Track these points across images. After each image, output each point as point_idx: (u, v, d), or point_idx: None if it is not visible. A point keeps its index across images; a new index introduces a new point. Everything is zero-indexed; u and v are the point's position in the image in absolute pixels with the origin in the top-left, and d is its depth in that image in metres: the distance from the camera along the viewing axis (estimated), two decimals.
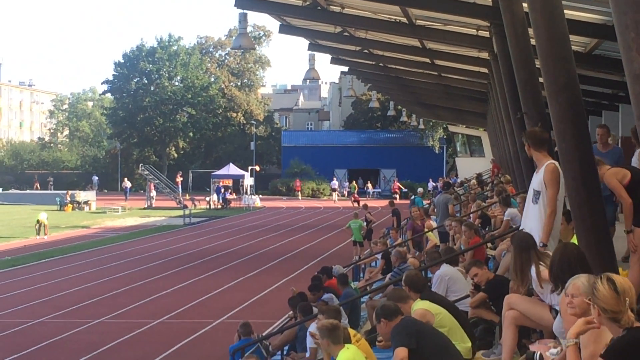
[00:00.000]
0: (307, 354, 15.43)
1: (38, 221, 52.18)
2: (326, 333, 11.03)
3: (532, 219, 11.05)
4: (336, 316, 12.64)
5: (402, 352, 9.80)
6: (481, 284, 13.57)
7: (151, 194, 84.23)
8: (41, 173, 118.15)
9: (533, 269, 9.55)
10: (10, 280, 36.02)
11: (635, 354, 5.61)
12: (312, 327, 15.27)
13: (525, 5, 13.14)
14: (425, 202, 45.67)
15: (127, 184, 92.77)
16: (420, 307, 11.62)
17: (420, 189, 61.26)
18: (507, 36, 15.22)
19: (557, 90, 10.57)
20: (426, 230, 26.67)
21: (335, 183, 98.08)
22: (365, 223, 41.23)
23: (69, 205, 77.08)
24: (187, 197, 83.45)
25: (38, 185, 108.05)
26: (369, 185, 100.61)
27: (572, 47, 11.43)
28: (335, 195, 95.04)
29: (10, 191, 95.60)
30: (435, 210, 30.09)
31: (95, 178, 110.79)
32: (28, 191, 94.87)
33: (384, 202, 60.06)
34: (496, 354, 11.13)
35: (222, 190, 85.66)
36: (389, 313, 10.56)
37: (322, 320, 12.01)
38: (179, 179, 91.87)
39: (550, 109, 10.78)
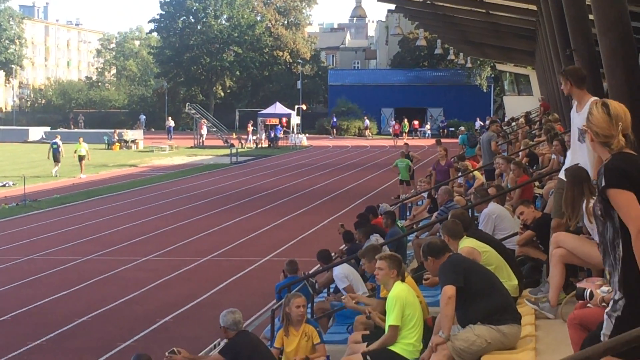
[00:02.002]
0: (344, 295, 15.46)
1: (80, 156, 52.88)
2: (395, 263, 11.30)
3: (581, 157, 10.97)
4: (375, 254, 12.71)
5: (450, 290, 9.79)
6: (527, 222, 13.53)
7: (202, 132, 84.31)
8: (88, 112, 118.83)
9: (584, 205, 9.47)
10: (59, 218, 36.36)
11: (621, 175, 5.67)
12: (336, 271, 15.39)
13: None
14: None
15: (171, 123, 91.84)
16: (467, 244, 11.59)
17: (461, 127, 61.02)
18: None
19: (607, 27, 10.45)
20: (472, 169, 26.55)
21: (367, 121, 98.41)
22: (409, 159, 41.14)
23: (117, 144, 77.38)
24: (234, 135, 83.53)
25: (73, 124, 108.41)
26: (415, 124, 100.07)
27: None
28: (368, 133, 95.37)
29: (58, 130, 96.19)
30: (481, 149, 29.87)
31: (143, 117, 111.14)
32: (76, 130, 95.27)
33: (431, 141, 59.83)
34: (543, 292, 11.07)
35: (270, 128, 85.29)
36: (436, 251, 10.55)
37: (385, 253, 12.12)
38: (250, 129, 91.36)
39: (601, 46, 10.67)
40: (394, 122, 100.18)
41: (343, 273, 15.02)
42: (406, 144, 44.72)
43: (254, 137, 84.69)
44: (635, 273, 5.64)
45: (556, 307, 10.59)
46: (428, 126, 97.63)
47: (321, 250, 17.75)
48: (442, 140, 48.71)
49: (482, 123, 74.29)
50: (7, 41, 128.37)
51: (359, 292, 14.74)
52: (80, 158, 52.31)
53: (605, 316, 5.93)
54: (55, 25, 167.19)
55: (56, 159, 54.35)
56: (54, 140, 56.09)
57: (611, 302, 5.96)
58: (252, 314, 18.98)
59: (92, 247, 29.64)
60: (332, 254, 18.86)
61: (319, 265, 18.71)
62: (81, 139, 53.73)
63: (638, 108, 10.17)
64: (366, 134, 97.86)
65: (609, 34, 10.41)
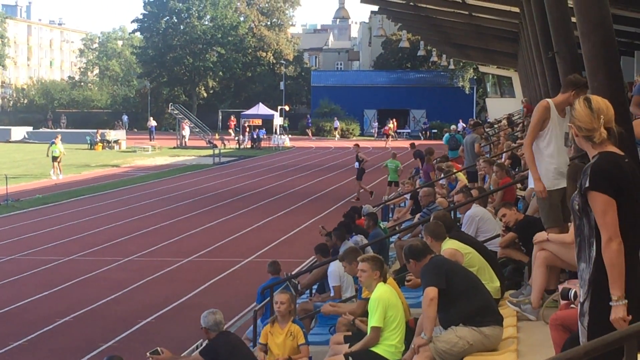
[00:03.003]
0: (332, 293, 15.53)
1: (54, 157, 51.89)
2: (378, 265, 11.29)
3: (564, 162, 11.07)
4: (356, 256, 12.75)
5: (432, 291, 9.83)
6: (510, 224, 13.59)
7: (183, 133, 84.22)
8: (71, 112, 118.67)
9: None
10: (41, 218, 36.31)
11: (605, 177, 5.77)
12: (332, 267, 15.38)
13: None
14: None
15: (153, 123, 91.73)
16: (449, 246, 11.64)
17: (453, 126, 61.21)
18: None
19: (590, 29, 10.50)
20: (455, 171, 26.61)
21: (337, 122, 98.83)
22: (357, 163, 41.52)
23: (99, 144, 77.25)
24: (217, 136, 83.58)
25: (51, 124, 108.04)
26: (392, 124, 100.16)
27: None
28: (337, 135, 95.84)
29: (40, 130, 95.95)
30: (464, 150, 29.96)
31: (125, 117, 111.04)
32: (58, 130, 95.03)
33: (404, 143, 59.87)
34: (525, 294, 11.14)
35: (252, 130, 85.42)
36: (417, 253, 10.58)
37: (368, 255, 12.14)
38: (232, 124, 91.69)
39: (583, 48, 10.72)
40: (376, 123, 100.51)
41: (338, 272, 15.01)
42: (356, 144, 44.96)
43: (236, 137, 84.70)
44: (604, 276, 5.72)
45: (538, 309, 10.65)
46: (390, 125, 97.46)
47: (320, 244, 17.67)
48: (425, 142, 48.92)
49: (464, 125, 74.41)
50: None
51: (346, 293, 14.78)
52: (54, 159, 51.71)
53: (579, 322, 6.00)
54: (38, 24, 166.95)
55: (55, 160, 53.88)
56: (53, 141, 55.49)
57: (579, 306, 6.04)
58: (235, 314, 19.01)
59: (74, 248, 29.60)
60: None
61: (304, 263, 18.75)
62: (58, 138, 53.19)
63: (619, 110, 10.21)
64: (335, 135, 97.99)
65: (591, 36, 10.46)
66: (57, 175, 51.13)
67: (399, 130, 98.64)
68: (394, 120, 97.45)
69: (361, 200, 35.95)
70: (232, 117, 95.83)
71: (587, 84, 10.53)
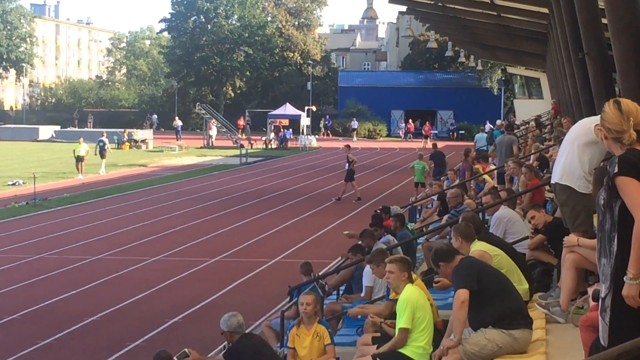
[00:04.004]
0: (363, 294, 15.51)
1: (78, 157, 52.03)
2: (405, 266, 11.35)
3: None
4: (384, 258, 12.78)
5: (463, 294, 9.77)
6: (538, 227, 13.54)
7: (210, 133, 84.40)
8: (98, 111, 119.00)
9: None
10: (68, 217, 36.41)
11: (634, 164, 5.84)
12: (368, 267, 15.34)
13: None
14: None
15: (179, 122, 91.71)
16: (478, 248, 11.59)
17: (485, 127, 61.17)
18: None
19: (621, 30, 10.44)
20: (482, 172, 26.56)
21: (355, 123, 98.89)
22: (347, 164, 41.70)
23: (126, 143, 77.46)
24: (244, 136, 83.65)
25: (77, 123, 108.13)
26: (411, 125, 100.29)
27: None
28: (354, 136, 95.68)
29: (68, 129, 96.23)
30: (496, 151, 29.88)
31: (155, 116, 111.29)
32: (86, 129, 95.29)
33: (441, 143, 59.68)
34: (554, 296, 11.10)
35: (281, 130, 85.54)
36: (445, 255, 10.58)
37: (395, 256, 12.15)
38: (242, 123, 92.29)
39: (614, 49, 10.67)
40: (403, 124, 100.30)
41: (371, 276, 15.00)
42: (347, 145, 45.10)
43: (263, 138, 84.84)
44: (626, 270, 5.76)
45: (567, 311, 10.61)
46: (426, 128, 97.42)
47: (356, 245, 17.67)
48: (453, 143, 48.86)
49: (491, 126, 74.26)
50: (18, 40, 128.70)
51: (377, 296, 14.76)
52: (79, 159, 51.80)
53: (600, 318, 6.00)
54: (66, 24, 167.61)
55: (102, 156, 55.28)
56: (101, 138, 56.92)
57: (600, 302, 6.04)
58: (262, 314, 18.98)
59: (101, 247, 29.67)
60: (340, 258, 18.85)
61: (331, 264, 18.74)
62: (81, 139, 53.48)
63: None
64: (354, 136, 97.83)
65: (622, 38, 10.41)
66: (81, 175, 51.21)
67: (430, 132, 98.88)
68: (411, 120, 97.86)
69: (362, 200, 35.84)
70: (241, 117, 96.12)
71: None
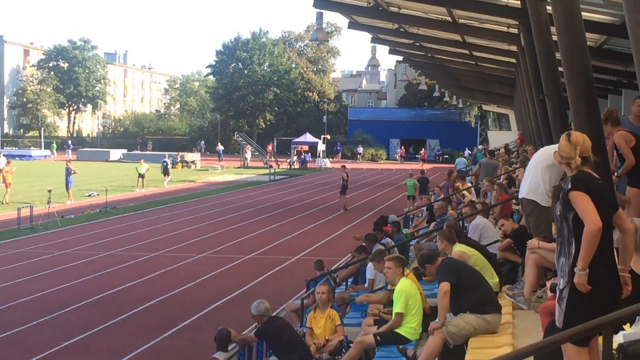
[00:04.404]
0: (366, 285, 15.52)
1: (140, 174, 52.07)
2: (400, 263, 11.67)
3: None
4: (383, 256, 12.87)
5: (445, 286, 9.89)
6: (507, 232, 13.63)
7: (246, 156, 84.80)
8: (157, 138, 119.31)
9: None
10: (132, 222, 36.49)
11: (582, 182, 6.00)
12: (370, 264, 15.37)
13: (548, 7, 12.94)
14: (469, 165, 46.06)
15: (220, 147, 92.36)
16: (458, 249, 11.70)
17: (465, 153, 60.96)
18: (533, 32, 15.06)
19: (574, 77, 10.46)
20: (462, 189, 26.53)
21: (361, 149, 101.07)
22: (342, 180, 42.32)
23: (179, 164, 77.58)
24: (272, 159, 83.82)
25: (139, 147, 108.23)
26: (402, 150, 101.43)
27: (588, 42, 11.29)
28: (360, 158, 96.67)
29: (133, 152, 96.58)
30: (480, 170, 30.02)
31: (202, 142, 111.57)
32: (147, 152, 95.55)
33: (428, 166, 59.67)
34: (519, 288, 11.12)
35: (302, 154, 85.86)
36: (429, 259, 10.84)
37: (392, 255, 12.38)
38: (270, 148, 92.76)
39: (568, 92, 10.68)
40: (400, 149, 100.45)
41: (373, 271, 15.03)
42: (343, 166, 45.47)
43: (288, 160, 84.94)
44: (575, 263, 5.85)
45: (529, 300, 10.62)
46: (422, 153, 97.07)
47: (361, 246, 17.64)
48: (439, 165, 48.86)
49: (469, 152, 74.06)
50: (94, 81, 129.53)
51: (378, 286, 14.75)
52: (140, 175, 51.83)
53: (557, 305, 6.04)
54: (132, 68, 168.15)
55: (167, 173, 56.40)
56: (164, 159, 58.68)
57: (557, 292, 6.08)
58: (285, 300, 18.95)
59: (158, 246, 29.73)
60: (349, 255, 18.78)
61: (341, 261, 18.72)
62: (142, 160, 53.85)
63: (596, 142, 10.15)
64: (359, 158, 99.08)
65: (574, 83, 10.42)
66: (141, 189, 51.19)
67: (415, 155, 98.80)
68: (403, 147, 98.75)
69: (349, 211, 35.96)
70: (269, 144, 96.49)
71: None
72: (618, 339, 6.44)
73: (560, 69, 11.35)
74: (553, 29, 11.23)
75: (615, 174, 11.19)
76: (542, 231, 10.74)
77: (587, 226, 5.77)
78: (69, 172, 42.97)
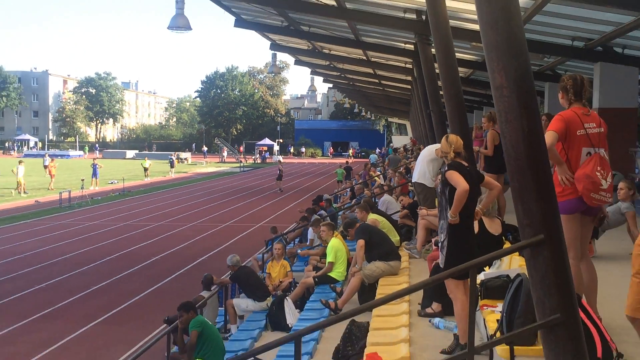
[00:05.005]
0: (307, 243, 15.56)
1: (145, 168, 51.87)
2: (331, 227, 11.86)
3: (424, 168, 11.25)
4: (319, 222, 12.89)
5: (361, 242, 9.96)
6: (405, 205, 13.72)
7: (223, 154, 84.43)
8: (159, 142, 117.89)
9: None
10: (142, 202, 36.12)
11: (455, 166, 6.00)
12: (310, 229, 15.39)
13: (433, 50, 13.02)
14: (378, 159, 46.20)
15: (205, 148, 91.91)
16: (372, 217, 11.75)
17: (376, 151, 61.23)
18: (422, 67, 15.12)
19: (450, 98, 10.55)
20: (374, 176, 26.67)
21: (303, 148, 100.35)
22: (279, 170, 43.74)
23: (176, 160, 76.89)
24: (242, 156, 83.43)
25: (147, 148, 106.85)
26: (332, 150, 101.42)
27: (460, 73, 11.38)
28: (302, 156, 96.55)
29: (142, 152, 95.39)
30: (389, 164, 30.65)
31: (194, 145, 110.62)
32: (153, 152, 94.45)
33: (352, 160, 59.84)
34: (413, 243, 11.21)
35: (263, 152, 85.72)
36: (351, 224, 11.12)
37: (325, 222, 12.47)
38: (241, 149, 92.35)
39: (447, 108, 10.76)
40: (330, 149, 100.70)
41: (312, 233, 15.05)
42: (279, 160, 46.30)
43: (253, 157, 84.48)
44: (453, 226, 5.88)
45: (420, 251, 10.72)
46: (351, 151, 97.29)
47: (303, 216, 17.65)
48: (358, 160, 49.02)
49: (379, 150, 74.44)
50: (114, 102, 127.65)
51: (316, 244, 14.78)
52: (145, 169, 51.47)
53: (440, 253, 6.12)
54: (141, 93, 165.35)
55: (172, 166, 56.64)
56: (170, 157, 61.36)
57: (440, 245, 6.17)
58: (250, 255, 18.94)
59: (161, 217, 29.51)
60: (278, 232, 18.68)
61: (290, 227, 18.69)
62: (146, 158, 54.62)
63: (466, 141, 10.25)
64: (302, 155, 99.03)
65: (451, 102, 10.51)
66: (145, 179, 50.54)
67: (342, 153, 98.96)
68: (332, 148, 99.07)
69: (282, 192, 36.15)
70: (240, 147, 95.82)
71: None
72: (480, 277, 6.56)
73: (441, 92, 11.43)
74: (436, 65, 11.29)
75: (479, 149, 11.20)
76: (429, 204, 10.86)
77: (458, 188, 5.80)
78: (96, 167, 42.55)
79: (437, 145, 10.45)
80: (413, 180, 11.53)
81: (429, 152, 11.03)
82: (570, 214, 5.17)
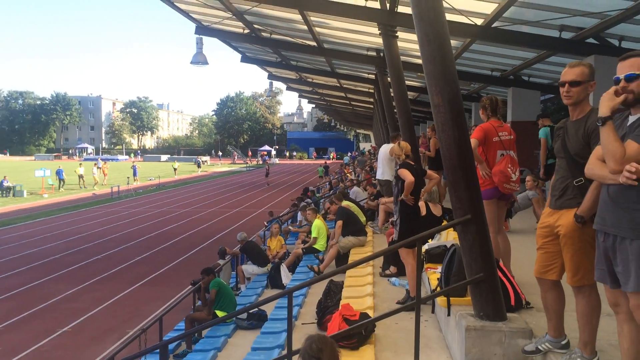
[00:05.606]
0: (297, 223, 15.50)
1: (174, 168, 51.99)
2: (315, 211, 11.59)
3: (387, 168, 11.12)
4: (306, 207, 12.83)
5: (339, 222, 9.89)
6: (371, 194, 13.64)
7: (235, 157, 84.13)
8: (186, 148, 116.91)
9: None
10: (173, 193, 35.80)
11: (405, 165, 5.95)
12: (299, 212, 15.33)
13: (388, 79, 13.02)
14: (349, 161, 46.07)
15: (220, 153, 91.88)
16: (345, 203, 11.68)
17: (348, 154, 61.06)
18: (381, 91, 15.11)
19: (402, 114, 10.53)
20: (347, 173, 26.62)
21: (295, 153, 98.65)
22: (266, 168, 44.58)
23: (196, 162, 76.47)
24: (248, 159, 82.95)
25: (176, 154, 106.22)
26: (315, 154, 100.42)
27: (408, 96, 11.38)
28: (293, 159, 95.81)
29: (173, 156, 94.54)
30: (357, 164, 30.52)
31: (213, 151, 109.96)
32: (181, 156, 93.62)
33: (330, 161, 59.81)
34: (376, 223, 11.20)
35: (263, 156, 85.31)
36: (336, 198, 10.88)
37: (310, 207, 12.35)
38: (250, 154, 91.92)
39: (400, 122, 10.76)
40: (314, 153, 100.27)
41: (301, 216, 14.99)
42: (266, 161, 46.31)
43: (256, 160, 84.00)
44: (402, 206, 5.87)
45: (381, 228, 10.71)
46: (332, 155, 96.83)
47: (294, 202, 17.58)
48: (335, 161, 48.85)
49: (351, 153, 74.35)
50: (151, 119, 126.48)
51: (304, 224, 14.75)
52: (175, 169, 51.50)
53: (395, 229, 6.13)
54: (172, 111, 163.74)
55: (199, 166, 58.82)
56: (197, 159, 64.20)
57: (395, 224, 6.18)
58: (255, 232, 18.88)
59: (187, 205, 29.29)
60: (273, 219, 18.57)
61: (285, 211, 18.61)
62: (175, 161, 54.58)
63: (413, 147, 10.27)
64: (294, 158, 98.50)
65: (402, 117, 10.51)
66: (174, 176, 50.21)
67: (324, 156, 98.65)
68: (315, 152, 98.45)
69: (270, 186, 36.17)
70: (249, 152, 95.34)
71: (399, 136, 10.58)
72: (425, 246, 6.59)
73: (395, 110, 11.43)
74: (391, 90, 11.28)
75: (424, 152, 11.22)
76: (387, 194, 10.89)
77: (406, 181, 5.79)
78: (135, 168, 42.48)
79: (390, 146, 10.47)
80: (377, 177, 11.51)
81: (385, 153, 11.01)
82: (489, 199, 5.21)
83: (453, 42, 10.87)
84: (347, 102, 33.64)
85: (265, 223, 17.01)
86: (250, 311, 8.09)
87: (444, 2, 4.09)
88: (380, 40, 10.98)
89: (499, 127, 5.37)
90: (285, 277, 10.40)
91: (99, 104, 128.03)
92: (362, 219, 11.62)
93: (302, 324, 6.57)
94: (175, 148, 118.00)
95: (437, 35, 4.05)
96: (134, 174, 42.24)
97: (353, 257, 9.19)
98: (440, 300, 5.01)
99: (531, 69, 12.62)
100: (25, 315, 11.81)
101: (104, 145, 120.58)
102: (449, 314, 4.66)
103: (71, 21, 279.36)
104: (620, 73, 2.75)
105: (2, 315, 11.80)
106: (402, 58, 11.56)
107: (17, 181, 37.65)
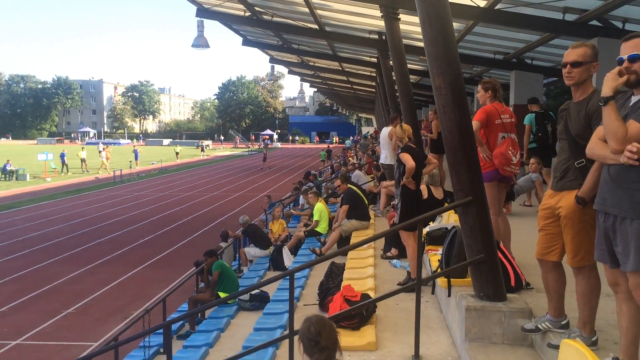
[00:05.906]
0: (299, 206, 15.55)
1: (176, 152, 52.17)
2: (317, 194, 11.65)
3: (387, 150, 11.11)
4: (308, 191, 12.85)
5: (345, 206, 9.94)
6: (376, 177, 13.65)
7: (236, 141, 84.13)
8: (188, 132, 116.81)
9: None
10: (176, 177, 35.85)
11: (407, 149, 5.92)
12: (301, 196, 15.36)
13: (390, 62, 12.95)
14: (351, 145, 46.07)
15: (222, 137, 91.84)
16: (349, 186, 11.71)
17: (350, 138, 61.04)
18: (383, 75, 15.03)
19: (403, 97, 10.50)
20: (349, 156, 26.60)
21: (297, 138, 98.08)
22: (264, 154, 44.66)
23: (200, 146, 76.58)
24: (250, 143, 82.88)
25: (178, 138, 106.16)
26: (317, 138, 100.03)
27: (410, 80, 11.33)
28: (296, 143, 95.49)
29: (175, 140, 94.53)
30: (361, 147, 30.58)
31: (215, 135, 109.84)
32: (183, 140, 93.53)
33: (333, 145, 59.72)
34: (377, 206, 11.23)
35: (265, 140, 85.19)
36: (342, 179, 11.07)
37: (312, 190, 12.36)
38: (252, 138, 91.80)
39: (402, 105, 10.73)
40: (316, 138, 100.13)
41: (303, 199, 15.02)
42: (264, 147, 46.35)
43: (257, 144, 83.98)
44: (404, 190, 5.88)
45: (383, 211, 10.74)
46: (335, 139, 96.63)
47: (296, 186, 17.63)
48: (338, 145, 48.80)
49: (353, 137, 74.19)
50: (153, 103, 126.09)
51: (306, 207, 14.79)
52: (177, 153, 51.66)
53: (396, 212, 6.14)
54: (174, 95, 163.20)
55: (202, 150, 59.03)
56: (200, 143, 64.40)
57: (396, 207, 6.19)
58: (257, 216, 18.94)
59: (189, 188, 29.33)
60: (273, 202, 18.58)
61: (287, 195, 18.66)
62: (177, 145, 54.77)
63: (415, 130, 10.27)
64: (296, 143, 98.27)
65: (404, 100, 10.48)
66: (176, 160, 50.28)
67: (325, 140, 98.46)
68: (317, 136, 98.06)
69: (271, 170, 36.20)
70: (252, 136, 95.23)
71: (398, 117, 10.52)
72: (426, 229, 6.62)
73: (397, 93, 11.39)
74: (393, 73, 11.22)
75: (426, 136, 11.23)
76: (390, 178, 10.90)
77: (407, 166, 5.79)
78: (137, 152, 42.61)
79: (389, 128, 10.47)
80: (380, 161, 11.52)
81: (385, 136, 10.98)
82: (490, 181, 5.22)
83: (455, 25, 10.79)
84: (349, 85, 33.48)
85: (265, 208, 17.06)
86: (253, 292, 8.16)
87: None
88: (382, 23, 10.90)
89: (501, 109, 5.37)
90: (287, 259, 10.45)
91: (101, 87, 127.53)
92: (365, 202, 11.63)
93: (304, 305, 6.63)
94: (177, 132, 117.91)
95: (439, 16, 4.02)
96: (136, 158, 42.30)
97: (354, 239, 9.23)
98: (441, 281, 5.04)
99: (534, 51, 12.52)
100: (30, 297, 11.93)
101: (105, 129, 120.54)
102: (449, 295, 4.69)
103: (72, 5, 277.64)
104: (623, 53, 2.74)
105: (7, 297, 11.92)
106: (405, 41, 11.49)
107: (20, 165, 37.78)
